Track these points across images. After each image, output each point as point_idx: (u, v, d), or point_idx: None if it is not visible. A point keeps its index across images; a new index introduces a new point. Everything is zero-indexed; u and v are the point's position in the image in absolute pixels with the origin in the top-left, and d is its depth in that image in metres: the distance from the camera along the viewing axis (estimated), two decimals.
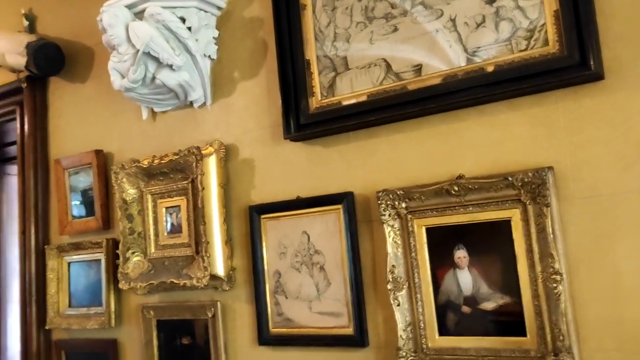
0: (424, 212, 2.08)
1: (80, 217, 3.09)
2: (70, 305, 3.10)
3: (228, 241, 2.59)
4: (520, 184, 1.88)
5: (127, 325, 2.92)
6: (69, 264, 3.12)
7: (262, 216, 2.50)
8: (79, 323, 2.99)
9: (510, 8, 1.94)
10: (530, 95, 1.94)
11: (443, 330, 2.04)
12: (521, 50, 1.92)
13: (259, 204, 2.52)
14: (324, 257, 2.34)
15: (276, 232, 2.46)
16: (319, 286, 2.34)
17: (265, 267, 2.48)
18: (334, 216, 2.32)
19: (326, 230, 2.34)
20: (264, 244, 2.49)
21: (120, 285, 2.76)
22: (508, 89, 1.95)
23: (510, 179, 1.89)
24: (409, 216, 2.10)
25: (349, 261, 2.26)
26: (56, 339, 3.17)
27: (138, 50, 2.50)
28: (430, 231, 2.08)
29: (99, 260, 2.97)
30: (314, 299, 2.35)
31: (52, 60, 3.18)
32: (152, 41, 2.48)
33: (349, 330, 2.25)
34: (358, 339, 2.23)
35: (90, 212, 3.05)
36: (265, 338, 2.46)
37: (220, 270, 2.55)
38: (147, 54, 2.51)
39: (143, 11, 2.53)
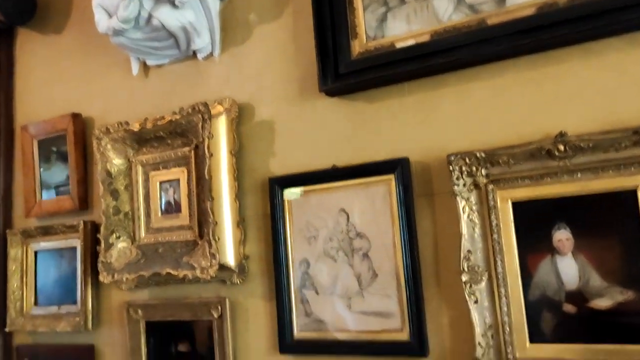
0: (512, 181, 1.59)
1: (52, 195, 2.53)
2: (36, 304, 2.52)
3: (240, 222, 2.06)
4: None
5: (108, 327, 2.36)
6: (35, 252, 2.55)
7: (286, 190, 1.98)
8: (47, 325, 2.42)
9: None
10: None
11: (536, 336, 1.55)
12: None
13: (282, 175, 2.00)
14: (369, 241, 1.83)
15: (304, 211, 1.95)
16: (361, 278, 1.84)
17: (289, 255, 1.96)
18: (383, 189, 1.82)
19: (372, 207, 1.83)
20: (287, 225, 1.97)
21: (100, 278, 2.20)
22: (627, 18, 1.48)
23: None
24: (491, 186, 1.62)
25: (403, 246, 1.76)
26: (18, 344, 2.59)
27: None
28: (520, 206, 1.59)
29: (73, 248, 2.41)
30: (355, 295, 1.84)
31: (20, 5, 2.62)
32: None
33: (403, 335, 1.75)
34: (415, 347, 1.72)
35: (64, 189, 2.49)
36: (287, 344, 1.94)
37: (230, 258, 2.03)
38: None
39: None
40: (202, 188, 2.04)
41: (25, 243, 2.56)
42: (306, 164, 1.96)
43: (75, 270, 2.38)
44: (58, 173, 2.52)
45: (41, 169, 2.57)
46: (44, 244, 2.51)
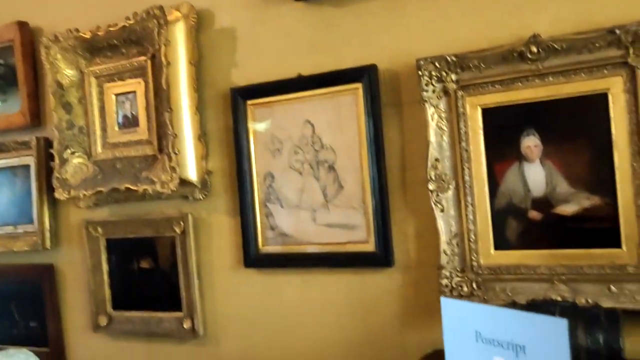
0: (482, 86, 1.54)
1: (1, 111, 2.38)
2: None
3: (202, 136, 1.98)
4: (630, 39, 1.35)
5: (67, 246, 2.30)
6: None
7: (249, 102, 1.90)
8: (4, 245, 2.34)
9: None
10: None
11: (501, 243, 1.55)
12: None
13: (245, 85, 1.91)
14: (335, 153, 1.78)
15: (268, 123, 1.87)
16: (327, 191, 1.80)
17: (254, 169, 1.91)
18: (350, 99, 1.75)
19: (338, 118, 1.77)
20: (251, 138, 1.90)
21: (56, 195, 2.12)
22: None
23: (617, 32, 1.36)
24: (460, 93, 1.56)
25: (370, 157, 1.71)
26: None
27: None
28: (489, 113, 1.55)
29: (27, 166, 2.30)
30: (320, 208, 1.81)
31: None
32: None
33: (369, 246, 1.73)
34: (381, 257, 1.71)
35: (13, 104, 2.35)
36: (253, 258, 1.91)
37: (191, 173, 1.95)
38: None
39: None
40: (160, 100, 1.94)
41: None
42: (270, 74, 1.87)
43: (30, 188, 2.28)
44: (6, 88, 2.37)
45: None
46: None
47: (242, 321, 1.96)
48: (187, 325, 2.01)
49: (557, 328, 0.93)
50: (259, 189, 1.90)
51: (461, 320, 1.11)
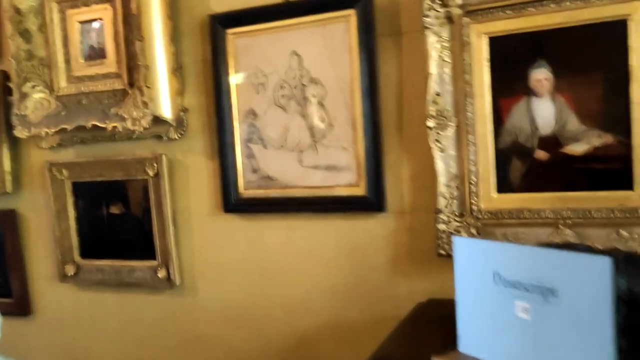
0: (490, 12, 1.40)
1: None
2: None
3: (177, 69, 1.80)
4: None
5: (30, 190, 2.12)
6: None
7: (229, 31, 1.72)
8: None
9: None
10: None
11: (504, 186, 1.44)
12: None
13: (224, 12, 1.73)
14: (324, 87, 1.63)
15: (251, 54, 1.71)
16: (314, 130, 1.65)
17: (234, 105, 1.75)
18: (341, 27, 1.59)
19: (328, 48, 1.61)
20: (231, 71, 1.73)
21: (16, 133, 1.93)
22: None
23: None
24: (466, 19, 1.41)
25: (363, 93, 1.57)
26: None
27: None
28: (496, 42, 1.41)
29: None
30: (307, 149, 1.67)
31: None
32: None
33: (359, 190, 1.61)
34: (373, 201, 1.59)
35: None
36: (233, 203, 1.77)
37: (166, 110, 1.79)
38: None
39: None
40: (130, 28, 1.75)
41: None
42: None
43: None
44: None
45: None
46: None
47: (221, 269, 1.84)
48: (161, 274, 1.88)
49: (597, 268, 0.81)
50: (240, 127, 1.74)
51: (477, 261, 0.99)
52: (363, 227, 1.63)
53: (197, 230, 1.86)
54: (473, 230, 1.46)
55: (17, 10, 1.88)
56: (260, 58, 1.69)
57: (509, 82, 1.41)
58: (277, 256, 1.75)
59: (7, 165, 2.07)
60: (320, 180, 1.65)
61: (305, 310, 1.73)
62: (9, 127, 1.98)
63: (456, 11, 1.41)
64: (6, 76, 2.03)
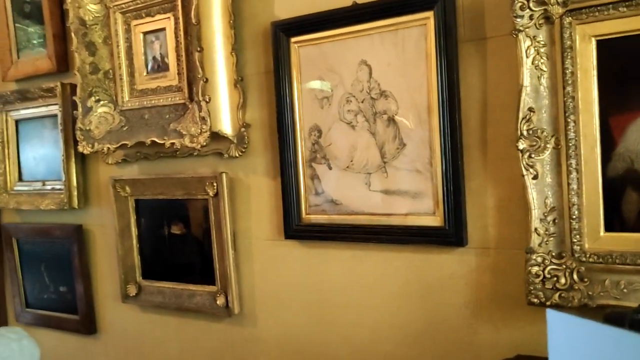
0: (599, 10, 1.13)
1: (29, 55, 2.16)
2: (21, 179, 2.25)
3: (238, 82, 1.67)
4: None
5: (97, 206, 2.08)
6: (16, 122, 2.23)
7: (294, 39, 1.56)
8: (31, 202, 2.15)
9: None
10: None
11: (615, 222, 1.17)
12: None
13: (288, 19, 1.57)
14: (396, 102, 1.42)
15: (316, 64, 1.54)
16: (385, 149, 1.45)
17: (297, 121, 1.58)
18: (416, 32, 1.38)
19: (401, 57, 1.40)
20: (295, 83, 1.57)
21: (79, 148, 1.89)
22: None
23: None
24: (568, 19, 1.16)
25: (441, 107, 1.35)
26: (4, 223, 2.34)
27: None
28: (607, 46, 1.14)
29: (55, 116, 2.08)
30: (376, 170, 1.47)
31: None
32: None
33: (436, 220, 1.38)
34: (451, 234, 1.36)
35: (40, 45, 2.12)
36: (294, 229, 1.61)
37: (226, 126, 1.66)
38: None
39: None
40: (191, 38, 1.64)
41: (3, 111, 2.23)
42: (319, 4, 1.52)
43: (58, 140, 2.06)
44: (33, 28, 2.14)
45: (15, 25, 2.19)
46: (25, 112, 2.19)
47: (281, 300, 1.68)
48: (220, 301, 1.75)
49: None
50: (303, 145, 1.58)
51: (576, 342, 0.75)
52: (438, 263, 1.40)
53: (257, 256, 1.71)
54: (575, 276, 1.19)
55: (82, 22, 1.84)
56: (325, 68, 1.52)
57: (622, 96, 1.14)
58: (340, 290, 1.56)
59: (74, 180, 2.04)
60: (390, 207, 1.45)
61: (372, 352, 1.53)
62: (76, 142, 1.94)
63: (556, 9, 1.16)
64: (74, 90, 1.99)
